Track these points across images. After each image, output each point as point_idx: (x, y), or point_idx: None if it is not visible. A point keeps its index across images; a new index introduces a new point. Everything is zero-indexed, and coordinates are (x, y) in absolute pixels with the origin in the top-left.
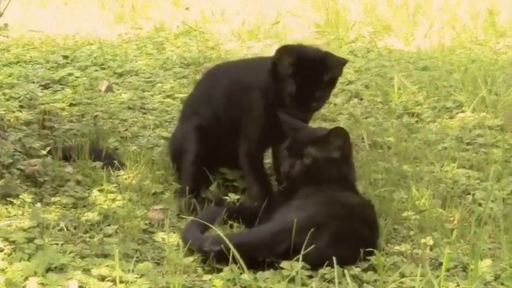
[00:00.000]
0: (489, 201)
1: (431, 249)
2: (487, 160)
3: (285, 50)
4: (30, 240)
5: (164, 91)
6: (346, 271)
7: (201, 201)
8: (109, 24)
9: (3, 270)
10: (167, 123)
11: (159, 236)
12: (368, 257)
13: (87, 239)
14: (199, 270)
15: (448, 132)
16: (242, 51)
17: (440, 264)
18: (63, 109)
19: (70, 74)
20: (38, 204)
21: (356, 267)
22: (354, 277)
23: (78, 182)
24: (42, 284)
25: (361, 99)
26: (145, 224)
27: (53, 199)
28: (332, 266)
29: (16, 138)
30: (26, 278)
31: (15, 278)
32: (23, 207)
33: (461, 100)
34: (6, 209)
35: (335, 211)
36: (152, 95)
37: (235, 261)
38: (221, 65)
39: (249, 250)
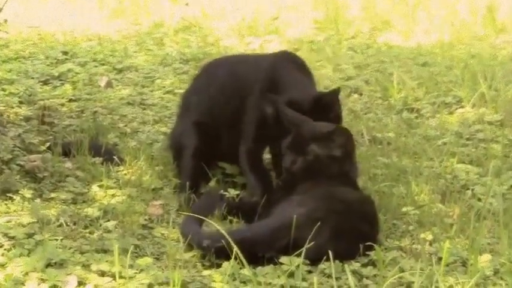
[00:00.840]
0: (488, 196)
1: (430, 244)
2: (486, 155)
3: None
4: (29, 235)
5: (164, 87)
6: (345, 266)
7: (200, 196)
8: (108, 20)
9: (3, 265)
10: (167, 119)
11: (159, 231)
12: (368, 252)
13: (87, 234)
14: (199, 265)
15: (448, 128)
16: (241, 46)
17: (440, 259)
18: (62, 105)
19: (69, 70)
20: (38, 200)
21: (355, 262)
22: (354, 272)
23: (77, 178)
24: (42, 279)
25: (361, 94)
26: (145, 219)
27: (52, 195)
28: (329, 259)
29: (16, 133)
30: (26, 274)
31: (14, 273)
32: (23, 203)
33: (461, 95)
34: (6, 204)
35: (334, 206)
36: (152, 91)
37: (235, 256)
38: (219, 60)
39: (249, 246)
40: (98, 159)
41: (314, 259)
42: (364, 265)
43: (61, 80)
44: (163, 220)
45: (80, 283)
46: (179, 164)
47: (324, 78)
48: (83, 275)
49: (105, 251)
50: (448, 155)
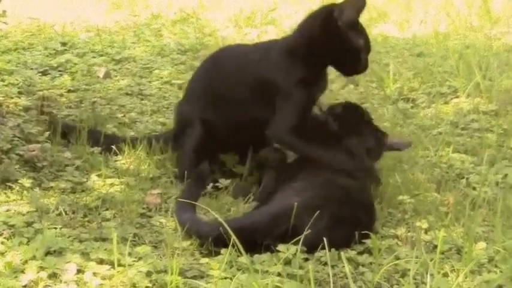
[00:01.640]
0: (483, 185)
1: (426, 233)
2: (481, 145)
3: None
4: (29, 224)
5: (162, 77)
6: (341, 254)
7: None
8: (107, 12)
9: (2, 253)
10: (165, 109)
11: (157, 219)
12: (364, 240)
13: (86, 223)
14: (197, 253)
15: (443, 117)
16: (239, 37)
17: (435, 247)
18: (61, 95)
19: (68, 61)
20: (37, 189)
21: (351, 250)
22: (350, 260)
23: (76, 167)
24: (41, 267)
25: (357, 85)
26: (143, 208)
27: (51, 184)
28: (328, 249)
29: (15, 124)
30: (25, 262)
31: (14, 261)
32: (22, 192)
33: (456, 86)
34: (5, 193)
35: (333, 195)
36: (150, 81)
37: (232, 244)
38: (230, 49)
39: (247, 233)
40: (97, 149)
41: (311, 247)
42: (360, 253)
43: (60, 71)
44: (162, 209)
45: (79, 271)
46: (181, 151)
47: None
48: (82, 263)
49: (103, 240)
50: (444, 145)
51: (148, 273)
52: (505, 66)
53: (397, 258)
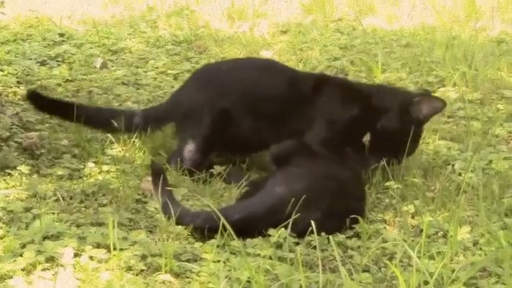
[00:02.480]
0: (468, 171)
1: (413, 217)
2: (466, 132)
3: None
4: (27, 209)
5: (157, 68)
6: (331, 238)
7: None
8: (103, 5)
9: (1, 238)
10: (160, 98)
11: (152, 205)
12: (353, 225)
13: (83, 208)
14: (190, 237)
15: None
16: (231, 30)
17: (421, 231)
18: (59, 85)
19: (66, 51)
20: (35, 176)
21: (341, 234)
22: (339, 244)
23: (73, 155)
24: (39, 251)
25: (347, 74)
26: (138, 194)
27: (49, 171)
28: (318, 234)
29: (14, 112)
30: (24, 246)
31: (12, 245)
32: (21, 179)
33: (443, 75)
34: (5, 180)
35: (328, 186)
36: (145, 72)
37: (224, 228)
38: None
39: (244, 225)
40: (93, 136)
41: (303, 234)
42: (349, 237)
43: (58, 61)
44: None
45: (76, 255)
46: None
47: (312, 59)
48: (78, 247)
49: (100, 224)
50: (430, 132)
51: (143, 257)
52: (490, 57)
53: (385, 241)
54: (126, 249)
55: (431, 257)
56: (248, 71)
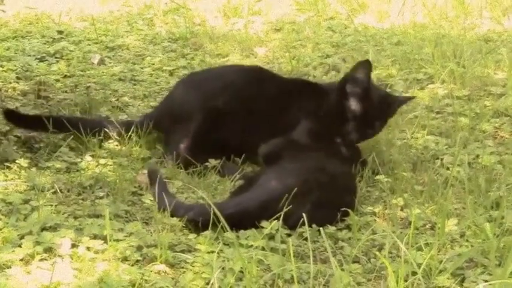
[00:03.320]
0: (456, 165)
1: (402, 210)
2: (454, 127)
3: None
4: (26, 201)
5: (153, 64)
6: (322, 230)
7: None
8: (101, 3)
9: (0, 229)
10: (156, 94)
11: (147, 197)
12: (343, 218)
13: (80, 201)
14: (185, 229)
15: (419, 102)
16: (227, 27)
17: (410, 223)
18: (57, 80)
19: (64, 48)
20: (34, 169)
21: (331, 226)
22: (330, 235)
23: (71, 148)
24: (37, 242)
25: (338, 71)
26: (134, 187)
27: (47, 164)
28: (309, 225)
29: (13, 107)
30: (22, 237)
31: (11, 236)
32: (20, 172)
33: (432, 72)
34: (4, 172)
35: (319, 180)
36: (142, 68)
37: (219, 221)
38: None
39: (237, 219)
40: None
41: (295, 226)
42: (340, 229)
43: (56, 58)
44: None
45: (73, 245)
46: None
47: (304, 56)
48: (76, 238)
49: (97, 216)
50: (419, 127)
51: (139, 248)
52: (478, 54)
53: (374, 233)
54: (122, 240)
55: (420, 249)
56: (236, 75)
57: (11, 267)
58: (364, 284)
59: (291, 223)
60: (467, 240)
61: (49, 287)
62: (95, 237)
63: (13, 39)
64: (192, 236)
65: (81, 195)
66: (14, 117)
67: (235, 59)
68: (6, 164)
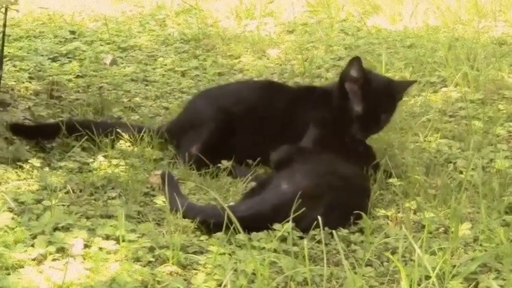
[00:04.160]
0: (469, 169)
1: (414, 213)
2: (468, 131)
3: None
4: (38, 201)
5: (165, 65)
6: (334, 232)
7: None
8: (113, 3)
9: (13, 228)
10: (168, 94)
11: (160, 198)
12: (356, 221)
13: (92, 201)
14: (197, 230)
15: (432, 105)
16: (239, 28)
17: (423, 227)
18: (70, 80)
19: (77, 48)
20: (46, 169)
21: (344, 229)
22: (342, 238)
23: (83, 149)
24: (50, 242)
25: None
26: (147, 187)
27: (59, 164)
28: (322, 229)
29: (26, 107)
30: (35, 236)
31: (24, 236)
32: (32, 171)
33: (445, 76)
34: (16, 172)
35: (332, 184)
36: (154, 68)
37: (231, 223)
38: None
39: (250, 223)
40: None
41: (307, 229)
42: (353, 232)
43: (69, 58)
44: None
45: (86, 246)
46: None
47: (317, 58)
48: (88, 239)
49: (109, 217)
50: (432, 131)
51: (151, 249)
52: (492, 57)
53: (387, 236)
54: (134, 241)
55: (433, 253)
56: (247, 89)
57: (23, 267)
58: None
59: (304, 226)
60: (480, 245)
61: (61, 287)
62: (107, 237)
63: (26, 39)
64: (204, 237)
65: (94, 195)
66: (20, 130)
67: (247, 60)
68: (19, 163)
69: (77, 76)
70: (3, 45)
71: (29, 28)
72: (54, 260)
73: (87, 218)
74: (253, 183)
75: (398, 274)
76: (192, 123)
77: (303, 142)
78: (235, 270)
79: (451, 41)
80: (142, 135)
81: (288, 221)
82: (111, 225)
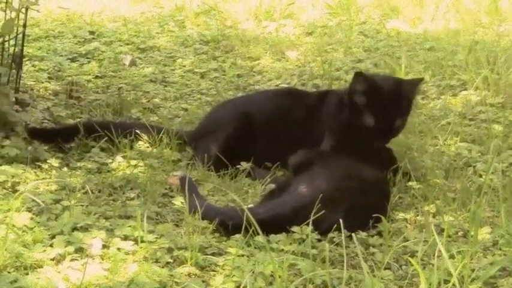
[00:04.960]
0: (489, 173)
1: (434, 217)
2: (488, 135)
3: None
4: (57, 201)
5: (184, 66)
6: (353, 235)
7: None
8: (132, 3)
9: (31, 228)
10: (187, 96)
11: (178, 200)
12: (375, 224)
13: (111, 201)
14: (216, 232)
15: (452, 109)
16: (258, 30)
17: (442, 230)
18: (89, 81)
19: (96, 49)
20: (65, 169)
21: (363, 232)
22: (361, 241)
23: (102, 149)
24: (69, 242)
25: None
26: (165, 188)
27: (78, 164)
28: (340, 231)
29: (45, 107)
30: (53, 236)
31: (42, 236)
32: (51, 172)
33: (465, 79)
34: (35, 172)
35: (352, 187)
36: (173, 70)
37: (249, 225)
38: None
39: (269, 225)
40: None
41: (326, 232)
42: (371, 235)
43: (88, 58)
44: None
45: (104, 246)
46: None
47: (336, 61)
48: (107, 239)
49: (128, 217)
50: (452, 134)
51: (170, 250)
52: None
53: (406, 240)
54: (152, 241)
55: (452, 256)
56: (266, 97)
57: (42, 267)
58: None
59: (323, 229)
60: (500, 249)
61: (80, 287)
62: (125, 238)
63: (45, 39)
64: (222, 239)
65: (112, 196)
66: (38, 134)
67: (266, 62)
68: (38, 163)
69: (96, 77)
70: (22, 45)
71: (48, 28)
72: (72, 260)
73: (106, 218)
74: (272, 186)
75: (417, 277)
76: (212, 127)
77: (322, 146)
78: (254, 272)
79: (471, 44)
80: (161, 136)
81: (306, 224)
82: (129, 226)
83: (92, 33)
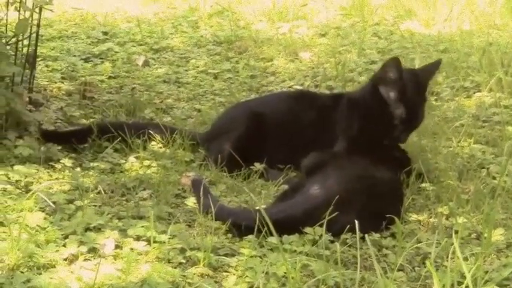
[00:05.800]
0: (503, 175)
1: (447, 218)
2: (501, 137)
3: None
4: (70, 201)
5: (198, 67)
6: (366, 236)
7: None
8: (146, 4)
9: (44, 228)
10: (200, 96)
11: (191, 200)
12: (388, 226)
13: (124, 202)
14: (229, 232)
15: (465, 110)
16: (271, 31)
17: (456, 232)
18: (102, 81)
19: (109, 49)
20: (78, 169)
21: (376, 233)
22: (374, 243)
23: (115, 150)
24: (81, 241)
25: None
26: (178, 189)
27: (91, 164)
28: (353, 232)
29: (58, 107)
30: (66, 236)
31: (55, 235)
32: (64, 171)
33: (479, 81)
34: (48, 172)
35: (365, 189)
36: (186, 70)
37: (262, 226)
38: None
39: (282, 226)
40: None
41: (339, 233)
42: (384, 237)
43: (101, 58)
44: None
45: (117, 246)
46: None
47: (350, 62)
48: (119, 239)
49: (140, 218)
50: (465, 136)
51: (183, 250)
52: None
53: (419, 242)
54: (165, 242)
55: (465, 258)
56: (281, 98)
57: (55, 267)
58: None
59: (335, 230)
60: None
61: (93, 287)
62: (138, 238)
63: (58, 39)
64: (235, 239)
65: (125, 196)
66: (52, 136)
67: (279, 63)
68: (51, 163)
69: (109, 77)
70: (36, 45)
71: (61, 28)
72: (85, 260)
73: (119, 218)
74: (285, 187)
75: (430, 279)
76: (225, 128)
77: (336, 148)
78: (267, 273)
79: (485, 45)
80: (174, 137)
81: (320, 225)
82: (142, 226)
83: (105, 33)
